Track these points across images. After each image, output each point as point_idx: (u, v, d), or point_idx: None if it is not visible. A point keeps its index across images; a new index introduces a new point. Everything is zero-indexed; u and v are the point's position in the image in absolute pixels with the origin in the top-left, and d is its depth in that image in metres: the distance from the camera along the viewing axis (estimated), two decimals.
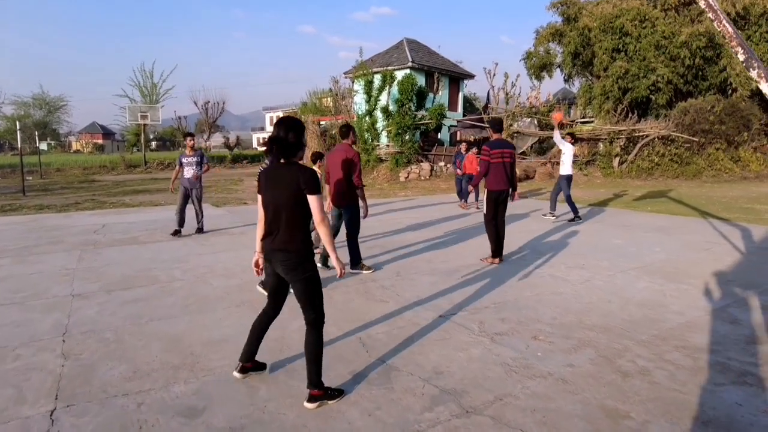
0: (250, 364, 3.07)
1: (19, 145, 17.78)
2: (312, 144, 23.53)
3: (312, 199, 2.67)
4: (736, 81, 20.30)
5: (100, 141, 75.50)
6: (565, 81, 27.93)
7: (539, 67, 26.32)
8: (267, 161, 3.06)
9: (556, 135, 9.72)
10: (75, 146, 73.31)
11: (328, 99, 30.65)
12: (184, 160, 7.83)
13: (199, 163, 7.87)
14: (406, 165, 19.94)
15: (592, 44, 22.95)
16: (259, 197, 2.86)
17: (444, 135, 24.32)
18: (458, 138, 26.66)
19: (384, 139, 21.45)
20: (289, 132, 2.72)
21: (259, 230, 2.90)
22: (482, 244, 7.08)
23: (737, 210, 10.53)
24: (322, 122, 24.61)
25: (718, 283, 5.07)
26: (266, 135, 72.13)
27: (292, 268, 2.71)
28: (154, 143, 71.86)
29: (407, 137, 20.06)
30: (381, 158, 21.14)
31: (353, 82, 22.93)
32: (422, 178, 19.30)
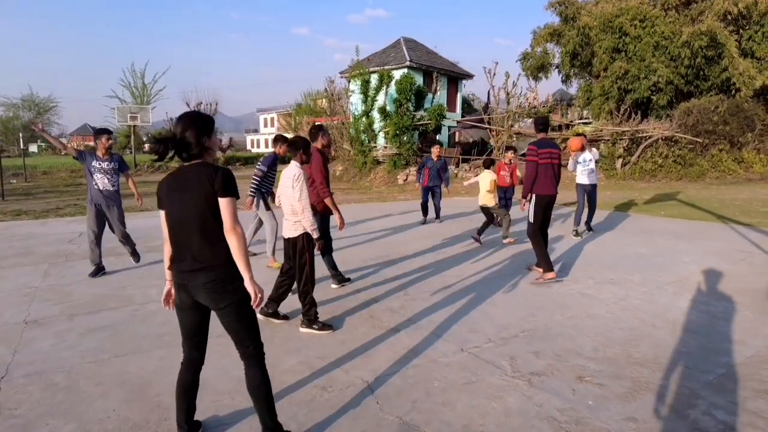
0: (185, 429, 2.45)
1: None
2: None
3: (224, 202, 2.15)
4: (739, 81, 19.83)
5: (91, 143, 74.34)
6: (563, 82, 27.43)
7: (536, 68, 25.79)
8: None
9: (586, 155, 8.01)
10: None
11: (323, 100, 30.00)
12: (94, 165, 5.54)
13: (116, 172, 5.72)
14: (405, 167, 19.30)
15: (592, 44, 22.44)
16: (161, 213, 2.30)
17: (443, 136, 23.70)
18: (456, 139, 26.07)
19: (381, 140, 20.81)
20: (187, 130, 2.19)
21: (167, 253, 2.33)
22: (498, 253, 6.48)
23: (756, 214, 9.97)
24: (317, 123, 23.95)
25: None
26: (260, 137, 71.52)
27: (219, 291, 2.17)
28: (146, 145, 70.88)
29: (405, 138, 19.42)
30: (378, 160, 20.49)
31: (349, 82, 22.28)
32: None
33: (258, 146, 70.88)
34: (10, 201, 13.58)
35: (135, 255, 6.07)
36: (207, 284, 2.16)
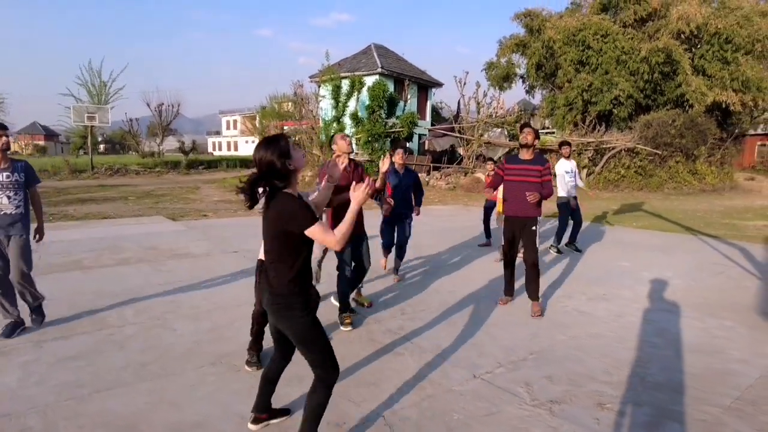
0: (265, 415, 2.67)
1: None
2: None
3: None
4: (692, 97, 20.88)
5: (41, 142, 70.31)
6: (527, 92, 28.10)
7: (502, 78, 26.28)
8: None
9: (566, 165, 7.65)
10: (13, 147, 67.93)
11: (289, 104, 29.49)
12: None
13: (19, 186, 3.94)
14: (376, 174, 19.18)
15: (556, 56, 23.10)
16: None
17: (414, 144, 23.75)
18: (426, 147, 26.20)
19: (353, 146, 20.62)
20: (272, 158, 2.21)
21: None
22: (486, 263, 6.38)
23: (719, 226, 10.41)
24: (285, 127, 23.48)
25: (763, 318, 4.57)
26: (222, 140, 69.73)
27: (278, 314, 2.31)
28: (102, 146, 67.73)
29: (377, 145, 19.31)
30: None
31: (319, 87, 21.98)
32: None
33: (220, 149, 69.10)
34: None
35: (38, 312, 4.15)
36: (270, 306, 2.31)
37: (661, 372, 3.41)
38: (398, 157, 5.68)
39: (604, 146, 20.56)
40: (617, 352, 3.76)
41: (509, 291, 4.93)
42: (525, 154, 4.54)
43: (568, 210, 7.61)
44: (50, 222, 9.90)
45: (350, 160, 4.57)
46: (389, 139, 20.34)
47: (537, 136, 4.57)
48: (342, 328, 4.13)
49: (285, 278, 2.23)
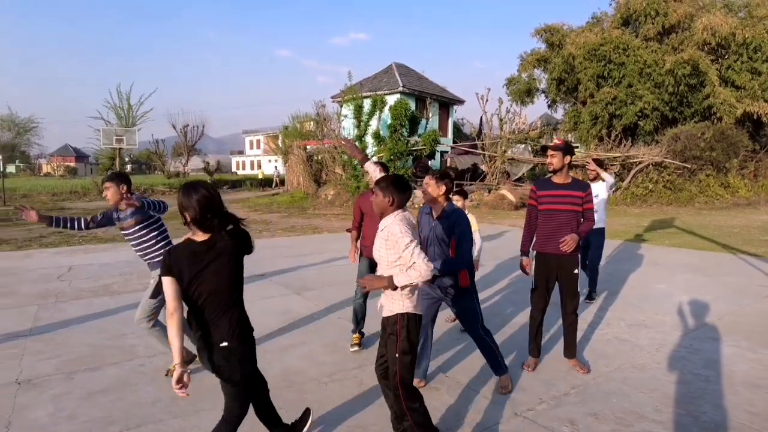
0: None
1: None
2: (298, 170, 22.61)
3: None
4: (720, 110, 20.36)
5: (72, 164, 72.92)
6: (549, 107, 27.89)
7: (523, 93, 26.14)
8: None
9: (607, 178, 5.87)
10: (45, 169, 70.52)
11: (311, 123, 29.88)
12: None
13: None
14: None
15: (577, 71, 22.88)
16: (172, 282, 2.18)
17: (436, 162, 23.69)
18: (448, 164, 26.12)
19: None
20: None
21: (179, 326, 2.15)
22: (519, 288, 6.15)
23: (759, 243, 9.97)
24: (308, 147, 23.73)
25: None
26: (246, 159, 70.95)
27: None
28: (129, 166, 69.72)
29: (399, 164, 19.31)
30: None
31: (341, 106, 22.20)
32: (416, 206, 18.49)
33: (243, 168, 70.29)
34: None
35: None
36: None
37: (715, 410, 3.19)
38: (432, 187, 3.23)
39: (630, 161, 20.13)
40: (665, 386, 3.54)
41: (536, 351, 3.92)
42: (559, 178, 3.75)
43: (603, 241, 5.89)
44: (79, 244, 10.10)
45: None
46: (411, 157, 20.34)
47: (567, 150, 3.71)
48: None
49: None
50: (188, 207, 2.15)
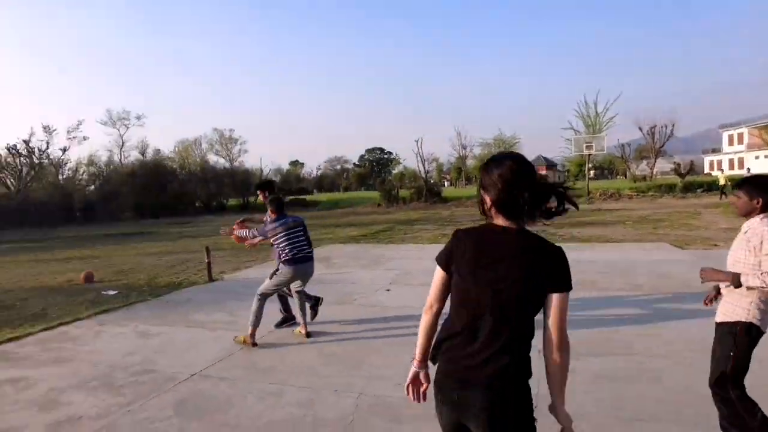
0: None
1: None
2: None
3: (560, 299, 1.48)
4: None
5: (543, 172, 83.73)
6: None
7: None
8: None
9: None
10: None
11: None
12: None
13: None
14: None
15: None
16: (441, 273, 1.62)
17: None
18: None
19: None
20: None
21: (428, 324, 1.67)
22: None
23: None
24: None
25: None
26: (722, 157, 59.71)
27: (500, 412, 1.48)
28: (592, 172, 73.17)
29: None
30: None
31: None
32: None
33: (718, 168, 59.48)
34: None
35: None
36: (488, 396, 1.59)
37: None
38: None
39: None
40: None
41: None
42: None
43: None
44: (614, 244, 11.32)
45: None
46: None
47: None
48: None
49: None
50: None
